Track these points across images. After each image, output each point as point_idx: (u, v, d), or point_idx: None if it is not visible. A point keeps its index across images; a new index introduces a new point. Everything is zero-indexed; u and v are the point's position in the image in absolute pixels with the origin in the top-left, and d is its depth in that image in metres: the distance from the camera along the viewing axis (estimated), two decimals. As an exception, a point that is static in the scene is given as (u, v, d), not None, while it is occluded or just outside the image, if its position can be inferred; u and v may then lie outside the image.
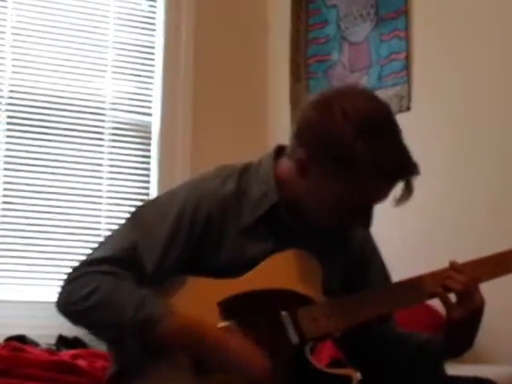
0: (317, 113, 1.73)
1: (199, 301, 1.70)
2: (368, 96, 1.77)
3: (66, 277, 1.73)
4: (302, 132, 1.75)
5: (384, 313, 1.76)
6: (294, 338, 1.70)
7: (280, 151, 1.83)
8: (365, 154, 1.65)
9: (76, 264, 1.74)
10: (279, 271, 1.75)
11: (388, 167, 1.67)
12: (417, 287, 1.76)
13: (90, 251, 1.77)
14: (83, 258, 1.76)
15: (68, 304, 1.70)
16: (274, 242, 1.78)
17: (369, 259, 1.92)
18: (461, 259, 1.78)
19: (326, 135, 1.69)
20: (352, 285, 1.85)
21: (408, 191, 1.70)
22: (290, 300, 1.73)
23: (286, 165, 1.79)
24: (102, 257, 1.71)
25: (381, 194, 1.72)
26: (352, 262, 1.88)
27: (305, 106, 1.80)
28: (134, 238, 1.72)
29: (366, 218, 1.75)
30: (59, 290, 1.73)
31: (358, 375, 1.74)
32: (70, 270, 1.73)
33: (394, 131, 1.71)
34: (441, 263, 1.78)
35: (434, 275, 1.76)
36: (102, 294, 1.66)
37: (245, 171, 1.82)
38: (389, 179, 1.70)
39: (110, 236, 1.80)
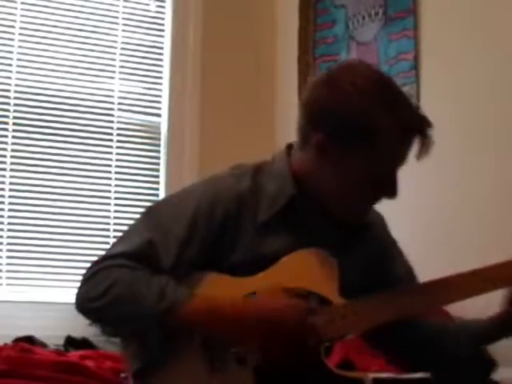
0: (326, 91, 1.74)
1: None
2: (366, 65, 1.83)
3: (82, 276, 1.72)
4: (314, 116, 1.75)
5: (400, 317, 1.74)
6: (309, 339, 1.69)
7: (291, 149, 1.83)
8: (387, 119, 1.68)
9: (89, 264, 1.73)
10: (296, 271, 1.74)
11: (409, 124, 1.71)
12: (436, 293, 1.74)
13: (107, 249, 1.77)
14: (93, 258, 1.75)
15: (87, 301, 1.69)
16: (291, 237, 1.77)
17: (390, 255, 1.92)
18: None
19: (343, 111, 1.70)
20: (373, 282, 1.83)
21: (428, 143, 1.73)
22: (306, 299, 1.72)
23: (299, 158, 1.79)
24: (117, 252, 1.71)
25: (404, 154, 1.74)
26: (372, 258, 1.87)
27: (308, 89, 1.79)
28: (149, 235, 1.71)
29: (393, 186, 1.76)
30: (77, 289, 1.71)
31: (370, 378, 1.73)
32: (87, 269, 1.72)
33: (400, 90, 1.76)
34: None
35: (450, 279, 1.74)
36: (121, 287, 1.65)
37: (259, 169, 1.81)
38: (411, 135, 1.72)
39: (124, 233, 1.79)
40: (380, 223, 1.94)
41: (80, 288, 1.71)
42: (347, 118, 1.69)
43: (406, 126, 1.70)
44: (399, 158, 1.75)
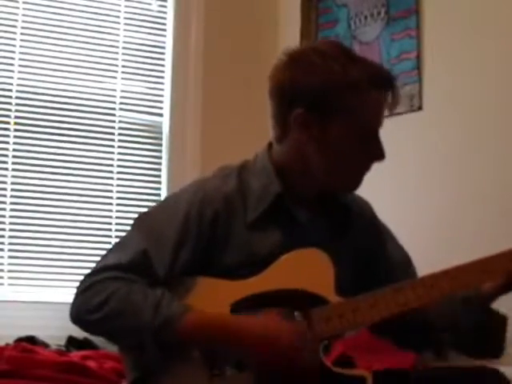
0: (290, 70, 1.78)
1: (211, 303, 1.69)
2: (321, 40, 1.88)
3: (77, 287, 1.72)
4: (286, 97, 1.78)
5: (398, 313, 1.74)
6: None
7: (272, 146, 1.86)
8: (359, 74, 1.72)
9: (87, 273, 1.73)
10: (291, 271, 1.74)
11: (380, 77, 1.75)
12: (431, 286, 1.74)
13: (99, 258, 1.77)
14: (95, 258, 1.75)
15: (83, 314, 1.69)
16: (281, 234, 1.77)
17: (383, 239, 1.93)
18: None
19: (310, 78, 1.73)
20: (370, 269, 1.84)
21: (397, 96, 1.77)
22: (302, 300, 1.72)
23: (280, 150, 1.81)
24: (112, 264, 1.71)
25: (380, 112, 1.77)
26: (364, 246, 1.88)
27: (272, 78, 1.83)
28: (142, 244, 1.71)
29: (379, 146, 1.77)
30: (72, 300, 1.71)
31: (371, 375, 1.73)
32: (82, 280, 1.72)
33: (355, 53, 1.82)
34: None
35: (447, 273, 1.74)
36: (117, 300, 1.65)
37: (243, 168, 1.83)
38: (383, 89, 1.75)
39: (118, 243, 1.79)
40: (368, 210, 1.95)
41: (75, 299, 1.71)
42: (316, 82, 1.72)
43: (379, 81, 1.73)
44: (377, 116, 1.77)
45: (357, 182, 1.81)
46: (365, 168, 1.80)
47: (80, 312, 1.69)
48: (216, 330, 1.65)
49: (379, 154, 1.78)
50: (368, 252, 1.89)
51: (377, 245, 1.91)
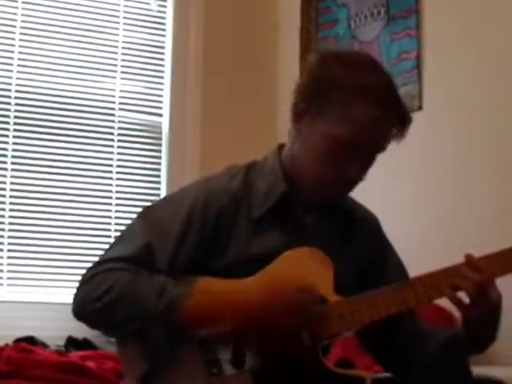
0: (309, 69, 1.80)
1: None
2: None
3: (80, 279, 1.71)
4: (297, 91, 1.81)
5: (397, 312, 1.73)
6: (305, 338, 1.68)
7: (282, 147, 1.86)
8: (364, 82, 1.70)
9: (89, 265, 1.73)
10: (290, 270, 1.73)
11: (384, 96, 1.71)
12: (430, 285, 1.73)
13: (103, 252, 1.76)
14: (94, 259, 1.75)
15: (86, 304, 1.68)
16: (285, 234, 1.77)
17: (385, 256, 1.91)
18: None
19: (307, 75, 1.78)
20: (368, 282, 1.82)
21: (405, 126, 1.75)
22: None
23: (287, 149, 1.82)
24: (116, 256, 1.71)
25: (373, 129, 1.71)
26: (365, 259, 1.87)
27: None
28: (146, 237, 1.71)
29: (355, 166, 1.72)
30: (74, 293, 1.71)
31: (370, 376, 1.72)
32: (85, 272, 1.72)
33: (370, 61, 1.79)
34: (453, 261, 1.76)
35: (447, 271, 1.72)
36: (121, 287, 1.65)
37: (251, 168, 1.83)
38: (383, 107, 1.70)
39: (121, 236, 1.79)
40: (374, 224, 1.94)
41: (78, 290, 1.70)
42: (316, 80, 1.75)
43: (377, 91, 1.70)
44: (367, 128, 1.71)
45: (334, 192, 1.77)
46: (339, 182, 1.74)
47: (84, 301, 1.68)
48: (217, 304, 1.64)
49: (352, 173, 1.72)
50: (369, 263, 1.88)
51: (378, 260, 1.90)
